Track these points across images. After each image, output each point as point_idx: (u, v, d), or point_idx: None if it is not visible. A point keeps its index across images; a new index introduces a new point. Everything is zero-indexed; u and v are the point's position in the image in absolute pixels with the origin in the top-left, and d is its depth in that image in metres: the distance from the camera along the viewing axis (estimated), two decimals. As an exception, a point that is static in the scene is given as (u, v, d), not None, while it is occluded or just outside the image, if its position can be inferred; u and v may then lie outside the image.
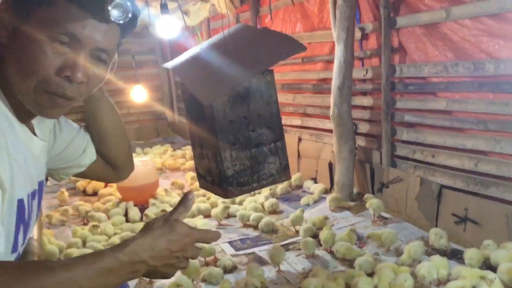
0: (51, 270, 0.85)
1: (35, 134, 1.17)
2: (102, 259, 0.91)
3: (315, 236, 3.01)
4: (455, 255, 2.61)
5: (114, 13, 1.02)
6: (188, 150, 6.02)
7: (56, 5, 0.98)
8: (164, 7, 3.14)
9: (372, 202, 3.20)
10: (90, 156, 1.45)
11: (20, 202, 1.03)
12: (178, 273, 2.58)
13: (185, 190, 4.41)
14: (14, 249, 1.05)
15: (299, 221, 3.24)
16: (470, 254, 2.41)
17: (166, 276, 1.03)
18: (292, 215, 3.29)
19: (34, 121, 1.18)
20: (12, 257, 1.06)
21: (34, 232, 1.40)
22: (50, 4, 0.98)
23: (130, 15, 1.04)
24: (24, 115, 1.09)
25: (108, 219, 3.61)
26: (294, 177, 4.21)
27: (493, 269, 2.28)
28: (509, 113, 2.57)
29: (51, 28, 0.98)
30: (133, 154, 5.39)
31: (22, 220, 1.05)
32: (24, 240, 1.12)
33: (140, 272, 0.97)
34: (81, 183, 4.82)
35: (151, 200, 3.95)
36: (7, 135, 0.98)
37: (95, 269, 0.89)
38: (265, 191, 3.97)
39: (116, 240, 3.08)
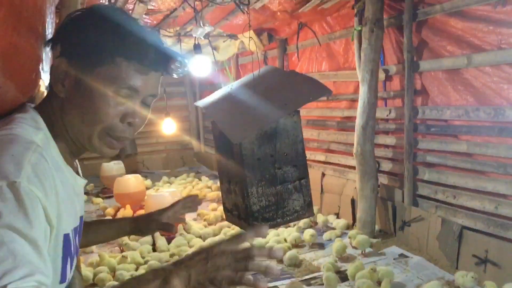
0: None
1: (78, 174, 1.29)
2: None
3: (338, 272, 3.08)
4: (475, 297, 2.65)
5: (177, 71, 1.17)
6: (213, 181, 6.15)
7: (116, 64, 1.09)
8: (197, 48, 3.32)
9: (357, 238, 3.39)
10: None
11: (66, 237, 1.14)
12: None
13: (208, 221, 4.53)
14: (63, 279, 1.16)
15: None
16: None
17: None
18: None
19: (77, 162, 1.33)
20: (61, 287, 1.17)
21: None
22: (110, 62, 1.09)
23: (186, 69, 1.19)
24: (69, 158, 1.22)
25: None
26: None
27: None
28: (529, 158, 2.64)
29: (114, 83, 1.10)
30: (159, 183, 5.54)
31: (69, 253, 1.16)
32: (71, 270, 1.22)
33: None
34: (109, 210, 4.99)
35: (179, 231, 4.06)
36: (55, 177, 1.09)
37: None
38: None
39: (143, 269, 3.19)
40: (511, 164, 2.74)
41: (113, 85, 1.10)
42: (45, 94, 1.21)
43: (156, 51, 1.12)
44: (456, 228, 3.05)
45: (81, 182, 1.30)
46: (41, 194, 1.01)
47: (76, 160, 1.33)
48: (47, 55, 1.40)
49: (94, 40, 1.08)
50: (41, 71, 1.30)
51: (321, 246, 3.75)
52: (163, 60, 1.14)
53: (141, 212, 4.59)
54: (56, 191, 1.08)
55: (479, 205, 2.96)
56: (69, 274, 1.20)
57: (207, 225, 4.42)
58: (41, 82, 1.52)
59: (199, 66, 3.51)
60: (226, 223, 4.15)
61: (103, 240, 1.84)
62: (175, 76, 1.17)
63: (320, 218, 4.17)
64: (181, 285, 1.02)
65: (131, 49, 1.09)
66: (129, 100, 1.14)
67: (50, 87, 1.18)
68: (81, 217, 1.32)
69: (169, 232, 1.75)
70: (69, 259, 1.16)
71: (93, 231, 1.73)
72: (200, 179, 6.53)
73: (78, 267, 1.67)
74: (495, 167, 2.84)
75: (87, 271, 3.05)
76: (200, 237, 4.03)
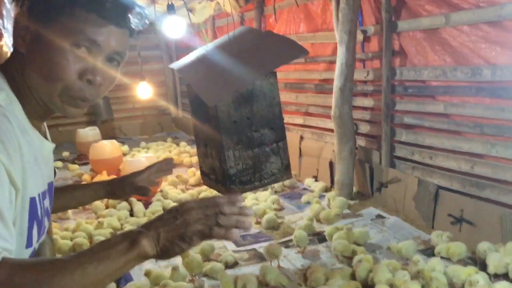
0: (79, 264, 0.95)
1: (46, 138, 1.25)
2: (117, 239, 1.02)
3: (317, 233, 3.10)
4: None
5: (135, 21, 1.13)
6: (190, 146, 6.11)
7: (75, 15, 1.06)
8: (170, 8, 3.21)
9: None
10: None
11: (32, 200, 1.11)
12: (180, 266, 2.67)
13: (188, 185, 4.51)
14: (29, 244, 1.13)
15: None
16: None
17: (179, 247, 1.03)
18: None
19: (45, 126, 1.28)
20: (27, 252, 1.14)
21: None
22: (69, 14, 1.06)
23: (147, 21, 1.15)
24: (36, 121, 1.17)
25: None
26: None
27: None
28: (504, 118, 2.64)
29: (72, 36, 1.06)
30: (137, 149, 5.47)
31: (35, 218, 1.13)
32: (38, 237, 1.19)
33: (152, 237, 1.02)
34: (86, 177, 4.93)
35: (156, 196, 4.03)
36: (20, 139, 1.05)
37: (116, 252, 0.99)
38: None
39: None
40: (487, 124, 2.75)
41: (72, 37, 1.06)
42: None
43: (114, 2, 1.09)
44: (432, 188, 3.08)
45: (49, 146, 1.26)
46: (4, 157, 0.98)
47: (45, 124, 1.29)
48: (8, 12, 1.34)
49: None
50: (1, 28, 1.23)
51: (300, 208, 3.77)
52: (121, 11, 1.10)
53: (118, 178, 4.54)
54: (21, 153, 1.04)
55: (455, 165, 2.98)
56: (36, 239, 1.17)
57: (185, 190, 4.39)
58: (3, 42, 1.45)
59: (173, 27, 3.40)
60: (204, 187, 4.13)
61: (77, 204, 1.82)
62: (133, 26, 1.13)
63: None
64: (149, 245, 1.02)
65: (89, 0, 1.06)
66: (89, 56, 1.10)
67: (13, 45, 1.12)
68: (50, 183, 1.28)
69: (144, 195, 1.73)
70: (35, 224, 1.14)
71: (67, 195, 1.71)
72: (178, 145, 6.47)
73: (49, 233, 1.63)
74: (471, 127, 2.85)
75: (64, 241, 3.01)
76: (177, 202, 4.01)
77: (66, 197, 1.69)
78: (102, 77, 1.13)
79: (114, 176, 2.02)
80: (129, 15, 1.11)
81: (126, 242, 1.00)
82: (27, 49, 1.09)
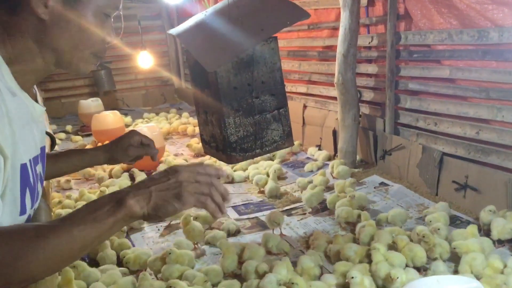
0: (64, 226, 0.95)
1: (36, 101, 1.21)
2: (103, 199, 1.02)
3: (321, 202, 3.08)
4: (454, 222, 2.67)
5: None
6: (193, 117, 6.07)
7: None
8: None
9: (338, 169, 3.41)
10: None
11: (23, 166, 1.08)
12: (182, 237, 2.66)
13: (192, 155, 4.49)
14: (23, 211, 1.11)
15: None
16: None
17: (172, 206, 1.03)
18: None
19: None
20: (21, 219, 1.11)
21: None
22: None
23: None
24: (26, 83, 1.13)
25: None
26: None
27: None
28: (511, 82, 2.58)
29: (104, 8, 1.14)
30: (140, 120, 5.47)
31: (27, 184, 1.10)
32: (32, 203, 1.17)
33: (141, 196, 1.02)
34: (89, 147, 4.91)
35: (160, 166, 4.01)
36: (7, 102, 1.01)
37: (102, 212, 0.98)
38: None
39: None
40: (493, 88, 2.69)
41: (104, 9, 1.14)
42: None
43: None
44: (437, 155, 3.03)
45: (40, 109, 1.21)
46: None
47: (35, 86, 1.25)
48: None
49: None
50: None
51: (303, 177, 3.74)
52: None
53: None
54: (9, 117, 1.01)
55: (460, 131, 2.93)
56: (30, 206, 1.14)
57: (187, 161, 4.38)
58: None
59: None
60: (207, 157, 4.11)
61: (74, 169, 1.82)
62: None
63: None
64: (138, 204, 1.00)
65: None
66: (109, 21, 1.18)
67: (17, 4, 1.07)
68: (42, 147, 1.25)
69: (148, 155, 1.84)
70: (28, 191, 1.11)
71: (64, 160, 1.70)
72: (181, 116, 6.43)
73: (46, 198, 1.61)
74: (477, 92, 2.79)
75: (66, 210, 3.02)
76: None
77: (62, 161, 1.68)
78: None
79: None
80: None
81: (113, 203, 0.99)
82: (51, 15, 1.07)
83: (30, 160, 1.12)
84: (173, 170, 1.06)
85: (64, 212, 2.97)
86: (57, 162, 1.65)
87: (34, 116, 1.17)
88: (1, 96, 0.99)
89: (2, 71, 1.05)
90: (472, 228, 2.30)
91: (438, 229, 2.35)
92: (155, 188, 1.02)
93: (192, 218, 2.67)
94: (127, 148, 1.75)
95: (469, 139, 2.89)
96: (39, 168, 1.20)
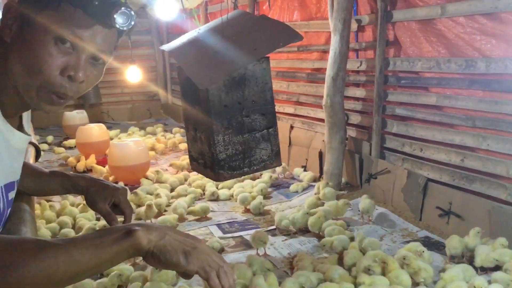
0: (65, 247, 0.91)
1: (22, 128, 1.20)
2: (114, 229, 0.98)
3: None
4: (438, 247, 2.69)
5: (119, 21, 1.08)
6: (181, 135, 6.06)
7: (62, 9, 1.04)
8: (163, -11, 3.15)
9: (323, 191, 3.44)
10: None
11: None
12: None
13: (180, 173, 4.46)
14: None
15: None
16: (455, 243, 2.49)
17: (177, 258, 0.99)
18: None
19: (24, 116, 1.22)
20: None
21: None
22: (56, 7, 1.04)
23: (133, 23, 1.11)
24: (10, 111, 1.12)
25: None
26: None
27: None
28: (497, 111, 2.63)
29: (58, 29, 1.03)
30: (125, 134, 5.39)
31: None
32: None
33: (154, 238, 0.98)
34: (72, 159, 4.85)
35: (143, 180, 3.98)
36: None
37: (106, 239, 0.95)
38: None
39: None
40: (479, 117, 2.74)
41: (57, 31, 1.04)
42: None
43: (101, 0, 1.06)
44: (422, 180, 3.06)
45: (22, 137, 1.18)
46: None
47: (25, 114, 1.22)
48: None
49: None
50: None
51: (288, 197, 3.75)
52: (107, 9, 1.06)
53: (104, 161, 4.49)
54: None
55: (446, 157, 2.97)
56: None
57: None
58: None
59: (165, 9, 3.34)
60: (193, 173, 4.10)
61: (52, 193, 1.70)
62: (118, 26, 1.09)
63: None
64: (146, 238, 0.97)
65: None
66: (74, 52, 1.07)
67: None
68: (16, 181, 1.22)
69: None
70: None
71: (47, 182, 1.58)
72: (171, 132, 6.39)
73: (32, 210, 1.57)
74: (463, 120, 2.84)
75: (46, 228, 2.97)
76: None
77: (45, 182, 1.56)
78: (85, 75, 1.09)
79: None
80: (114, 15, 1.07)
81: (122, 232, 0.96)
82: (12, 38, 1.06)
83: (1, 187, 1.10)
84: (194, 237, 1.05)
85: (43, 224, 2.94)
86: (42, 182, 1.56)
87: (12, 144, 1.14)
88: None
89: None
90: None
91: (423, 251, 2.36)
92: (171, 235, 1.00)
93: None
94: (104, 200, 1.48)
95: (454, 166, 2.93)
96: (11, 194, 1.18)
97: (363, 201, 3.06)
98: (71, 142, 5.79)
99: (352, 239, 2.74)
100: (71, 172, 1.76)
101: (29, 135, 1.23)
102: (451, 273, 2.17)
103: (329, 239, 2.70)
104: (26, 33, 1.04)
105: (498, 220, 2.57)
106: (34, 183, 1.53)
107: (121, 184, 3.74)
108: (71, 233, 2.92)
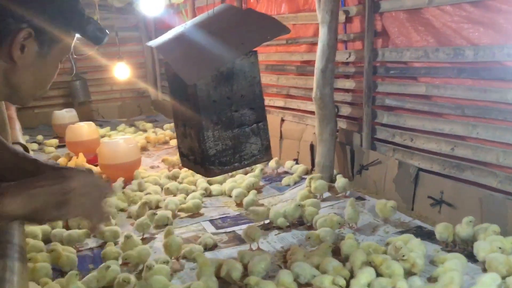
0: None
1: None
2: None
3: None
4: (430, 237, 2.69)
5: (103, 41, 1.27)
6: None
7: (71, 37, 1.21)
8: (148, -16, 3.11)
9: (315, 184, 3.37)
10: None
11: None
12: (160, 252, 2.63)
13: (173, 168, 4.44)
14: None
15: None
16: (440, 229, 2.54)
17: (55, 214, 1.01)
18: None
19: None
20: None
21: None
22: (69, 37, 1.20)
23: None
24: None
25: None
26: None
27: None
28: (486, 99, 2.64)
29: (65, 54, 1.22)
30: (115, 132, 5.34)
31: None
32: None
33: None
34: (63, 159, 4.81)
35: (133, 182, 3.93)
36: None
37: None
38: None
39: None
40: (468, 106, 2.74)
41: (64, 55, 1.22)
42: None
43: (95, 25, 1.23)
44: (413, 170, 3.07)
45: None
46: None
47: None
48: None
49: (59, 17, 1.16)
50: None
51: (280, 191, 3.75)
52: (102, 33, 1.25)
53: (95, 160, 4.45)
54: None
55: (436, 147, 2.97)
56: None
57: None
58: None
59: (151, 4, 3.30)
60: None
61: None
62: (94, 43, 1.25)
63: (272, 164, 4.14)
64: (14, 205, 0.95)
65: (81, 24, 1.21)
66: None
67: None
68: None
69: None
70: None
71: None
72: (162, 128, 6.36)
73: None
74: (452, 109, 2.84)
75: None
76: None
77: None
78: None
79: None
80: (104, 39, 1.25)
81: None
82: (23, 59, 1.14)
83: None
84: (64, 174, 1.03)
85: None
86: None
87: None
88: None
89: None
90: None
91: (401, 247, 2.34)
92: (40, 191, 0.98)
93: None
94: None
95: (445, 155, 2.93)
96: None
97: (347, 209, 2.92)
98: (52, 142, 5.77)
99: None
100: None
101: None
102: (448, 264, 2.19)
103: (314, 232, 2.70)
104: (43, 58, 1.17)
105: (490, 207, 2.58)
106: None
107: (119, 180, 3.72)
108: (63, 232, 2.89)
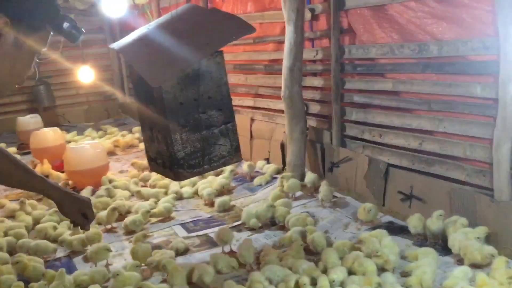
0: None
1: None
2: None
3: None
4: (401, 232, 2.71)
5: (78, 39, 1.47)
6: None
7: (47, 31, 1.37)
8: (110, -15, 3.04)
9: (287, 183, 3.38)
10: None
11: None
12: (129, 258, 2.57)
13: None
14: None
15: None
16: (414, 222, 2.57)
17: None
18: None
19: None
20: None
21: None
22: (45, 29, 1.36)
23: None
24: None
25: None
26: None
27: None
28: (452, 94, 2.67)
29: (42, 47, 1.37)
30: (82, 136, 5.24)
31: None
32: None
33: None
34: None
35: (102, 187, 3.84)
36: None
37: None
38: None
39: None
40: (434, 100, 2.77)
41: (40, 48, 1.36)
42: None
43: (70, 22, 1.40)
44: (383, 166, 3.09)
45: None
46: None
47: None
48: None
49: (35, 8, 1.30)
50: None
51: (252, 191, 3.72)
52: (77, 31, 1.44)
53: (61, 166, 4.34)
54: None
55: (404, 142, 3.00)
56: None
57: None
58: None
59: (113, 6, 3.23)
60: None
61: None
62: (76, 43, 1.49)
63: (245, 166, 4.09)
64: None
65: (56, 19, 1.36)
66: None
67: None
68: None
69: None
70: None
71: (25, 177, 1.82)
72: (130, 131, 6.25)
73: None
74: (419, 104, 2.87)
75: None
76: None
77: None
78: None
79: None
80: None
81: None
82: (0, 47, 1.27)
83: None
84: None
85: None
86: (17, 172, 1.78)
87: None
88: None
89: None
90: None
91: (378, 252, 2.34)
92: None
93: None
94: (78, 211, 1.89)
95: (413, 150, 2.96)
96: None
97: (322, 188, 3.13)
98: (11, 150, 5.58)
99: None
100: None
101: None
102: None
103: (286, 236, 2.70)
104: (19, 47, 1.30)
105: (458, 201, 2.61)
106: (9, 171, 1.75)
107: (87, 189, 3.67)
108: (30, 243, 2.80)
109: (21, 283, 2.30)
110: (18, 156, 5.16)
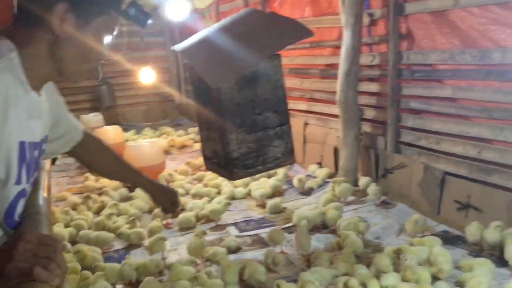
0: None
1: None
2: None
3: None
4: (456, 241, 2.65)
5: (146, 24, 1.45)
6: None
7: (112, 16, 1.36)
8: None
9: (339, 187, 3.41)
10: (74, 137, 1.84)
11: (22, 144, 1.26)
12: (184, 253, 2.66)
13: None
14: (19, 181, 1.27)
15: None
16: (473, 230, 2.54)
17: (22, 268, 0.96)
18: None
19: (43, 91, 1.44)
20: (16, 188, 1.27)
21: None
22: (108, 14, 1.35)
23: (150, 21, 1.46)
24: (36, 84, 1.34)
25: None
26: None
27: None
28: (514, 102, 2.59)
29: (108, 32, 1.38)
30: (139, 135, 5.42)
31: (23, 160, 1.28)
32: (27, 179, 1.33)
33: None
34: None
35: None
36: (20, 96, 1.24)
37: None
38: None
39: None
40: (495, 108, 2.70)
41: (106, 33, 1.37)
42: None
43: (137, 7, 1.41)
44: (439, 174, 3.03)
45: (45, 105, 1.46)
46: None
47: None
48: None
49: None
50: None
51: (303, 194, 3.74)
52: (144, 16, 1.43)
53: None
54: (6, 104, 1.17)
55: (462, 150, 2.93)
56: (25, 180, 1.32)
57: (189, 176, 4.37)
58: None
59: (176, 10, 3.35)
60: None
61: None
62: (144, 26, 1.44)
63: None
64: None
65: (120, 4, 1.36)
66: (104, 43, 1.39)
67: (36, 20, 1.27)
68: (43, 138, 1.46)
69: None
70: (25, 166, 1.30)
71: (126, 171, 2.12)
72: (186, 132, 6.40)
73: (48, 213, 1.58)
74: (479, 112, 2.80)
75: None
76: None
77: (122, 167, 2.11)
78: None
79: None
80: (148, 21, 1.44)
81: None
82: (64, 32, 1.28)
83: (29, 143, 1.30)
84: (13, 240, 1.00)
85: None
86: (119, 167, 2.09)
87: (39, 110, 1.38)
88: (16, 90, 1.21)
89: (19, 73, 1.25)
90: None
91: (405, 259, 2.30)
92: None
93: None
94: (169, 200, 2.26)
95: (471, 159, 2.89)
96: (36, 153, 1.38)
97: (370, 188, 3.35)
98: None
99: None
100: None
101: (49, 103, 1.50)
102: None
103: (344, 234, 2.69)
104: (84, 33, 1.31)
105: (518, 212, 2.53)
106: (114, 166, 2.05)
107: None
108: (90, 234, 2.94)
109: (78, 265, 2.43)
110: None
